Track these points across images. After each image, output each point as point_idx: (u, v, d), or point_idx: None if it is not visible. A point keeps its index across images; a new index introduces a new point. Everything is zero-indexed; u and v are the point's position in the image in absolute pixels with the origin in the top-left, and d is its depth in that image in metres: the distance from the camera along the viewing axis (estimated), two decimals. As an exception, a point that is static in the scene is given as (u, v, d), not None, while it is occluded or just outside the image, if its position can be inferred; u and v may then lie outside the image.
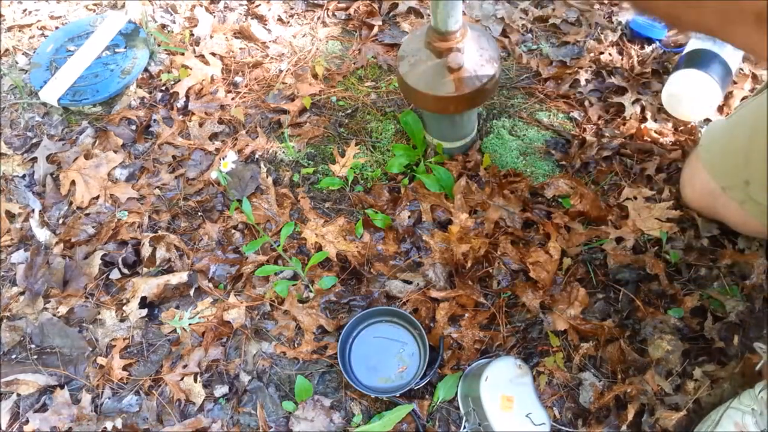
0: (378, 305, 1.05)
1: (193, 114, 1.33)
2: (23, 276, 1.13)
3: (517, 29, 1.40)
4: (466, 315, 1.02)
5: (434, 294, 1.03)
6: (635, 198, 1.11)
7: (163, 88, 1.39)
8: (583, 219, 1.11)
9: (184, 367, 1.01)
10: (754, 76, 1.26)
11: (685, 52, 1.22)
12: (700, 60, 1.16)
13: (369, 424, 0.94)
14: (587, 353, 0.98)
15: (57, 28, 1.52)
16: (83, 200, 1.22)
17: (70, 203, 1.23)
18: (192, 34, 1.46)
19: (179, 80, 1.37)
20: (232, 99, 1.35)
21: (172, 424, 0.97)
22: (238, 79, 1.39)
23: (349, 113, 1.31)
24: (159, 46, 1.44)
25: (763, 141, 0.84)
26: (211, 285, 1.10)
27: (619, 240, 1.07)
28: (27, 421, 0.98)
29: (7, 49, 1.49)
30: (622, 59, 1.33)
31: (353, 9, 1.48)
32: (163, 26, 1.50)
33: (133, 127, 1.33)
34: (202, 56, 1.41)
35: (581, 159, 1.17)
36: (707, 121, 1.22)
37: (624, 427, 0.91)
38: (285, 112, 1.31)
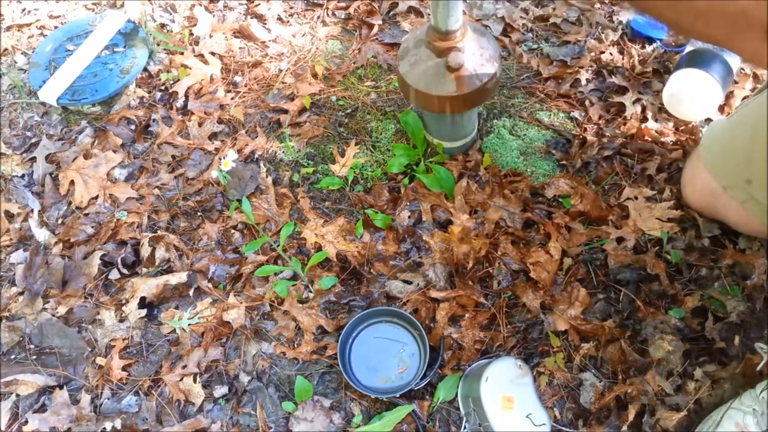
0: (378, 305, 1.04)
1: (192, 113, 1.33)
2: (22, 276, 1.12)
3: (517, 28, 1.40)
4: (467, 315, 1.02)
5: (434, 294, 1.03)
6: (636, 198, 1.10)
7: (163, 87, 1.38)
8: (583, 219, 1.11)
9: (184, 367, 1.01)
10: (755, 76, 1.26)
11: (686, 51, 1.22)
12: (701, 59, 1.16)
13: (369, 424, 0.94)
14: (588, 353, 0.98)
15: (56, 27, 1.52)
16: (82, 200, 1.22)
17: (69, 203, 1.23)
18: (191, 34, 1.46)
19: (178, 80, 1.36)
20: (232, 98, 1.35)
21: (172, 424, 0.97)
22: (237, 78, 1.39)
23: (349, 113, 1.30)
24: (158, 45, 1.44)
25: (765, 140, 0.84)
26: (210, 285, 1.10)
27: (619, 240, 1.07)
28: (26, 422, 0.98)
29: (6, 49, 1.49)
30: (622, 59, 1.32)
31: (353, 8, 1.48)
32: (163, 25, 1.49)
33: (133, 127, 1.33)
34: (201, 56, 1.40)
35: (582, 159, 1.17)
36: (708, 120, 1.22)
37: (625, 428, 0.90)
38: (285, 111, 1.31)
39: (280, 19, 1.48)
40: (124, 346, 1.05)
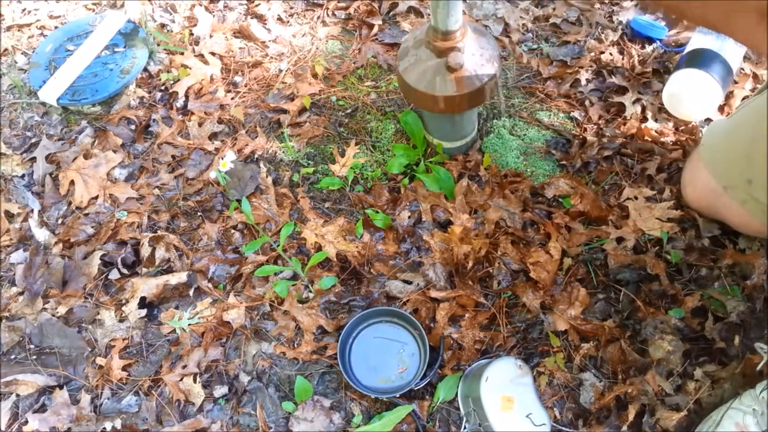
0: (378, 305, 1.04)
1: (192, 114, 1.33)
2: (22, 276, 1.12)
3: (517, 29, 1.40)
4: (467, 315, 1.02)
5: (434, 294, 1.03)
6: (636, 198, 1.10)
7: (163, 87, 1.38)
8: (583, 219, 1.11)
9: (184, 367, 1.01)
10: (755, 76, 1.26)
11: (685, 51, 1.22)
12: (701, 59, 1.16)
13: (369, 424, 0.94)
14: (588, 353, 0.98)
15: (56, 27, 1.52)
16: (82, 200, 1.22)
17: (69, 203, 1.23)
18: (191, 34, 1.46)
19: (178, 80, 1.36)
20: (232, 99, 1.35)
21: (172, 424, 0.97)
22: (237, 78, 1.39)
23: (349, 113, 1.30)
24: (158, 45, 1.44)
25: (765, 140, 0.84)
26: (210, 285, 1.10)
27: (619, 240, 1.07)
28: (26, 422, 0.98)
29: (6, 49, 1.49)
30: (622, 59, 1.32)
31: (353, 8, 1.48)
32: (163, 25, 1.49)
33: (133, 127, 1.33)
34: (201, 56, 1.40)
35: (582, 159, 1.17)
36: (708, 120, 1.22)
37: (625, 428, 0.90)
38: (285, 111, 1.31)
39: (280, 19, 1.48)
40: (124, 346, 1.05)
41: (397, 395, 0.95)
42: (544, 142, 1.22)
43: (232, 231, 1.16)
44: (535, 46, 1.38)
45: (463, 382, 0.96)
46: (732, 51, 1.18)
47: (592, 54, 1.33)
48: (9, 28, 1.52)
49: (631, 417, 0.90)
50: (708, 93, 1.15)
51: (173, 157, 1.27)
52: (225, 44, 1.43)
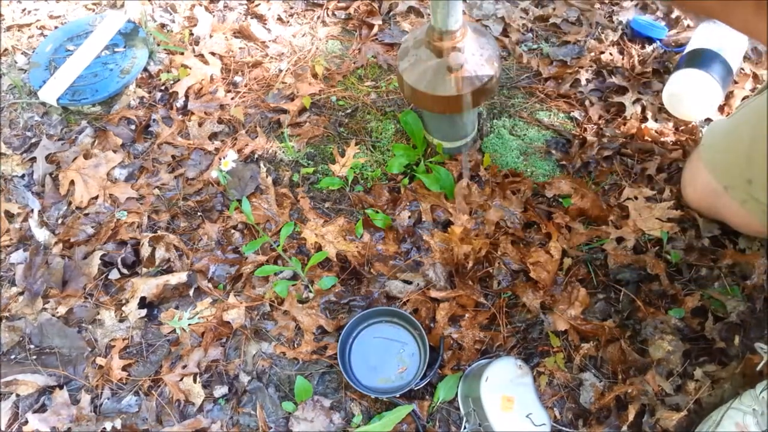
0: (378, 305, 1.04)
1: (192, 114, 1.33)
2: (22, 276, 1.12)
3: (517, 29, 1.40)
4: (467, 315, 1.02)
5: (434, 294, 1.03)
6: (636, 198, 1.10)
7: (163, 87, 1.38)
8: (583, 219, 1.11)
9: (184, 367, 1.01)
10: (755, 76, 1.26)
11: (685, 51, 1.22)
12: (700, 60, 1.16)
13: (369, 424, 0.94)
14: (588, 353, 0.98)
15: (56, 27, 1.52)
16: (82, 200, 1.22)
17: (69, 203, 1.23)
18: (191, 34, 1.46)
19: (179, 80, 1.36)
20: (232, 99, 1.35)
21: (172, 424, 0.97)
22: (237, 78, 1.39)
23: (349, 113, 1.30)
24: (158, 45, 1.44)
25: (765, 140, 0.84)
26: (210, 285, 1.10)
27: (619, 240, 1.07)
28: (26, 422, 0.98)
29: (6, 49, 1.49)
30: (622, 59, 1.32)
31: (353, 8, 1.48)
32: (163, 25, 1.49)
33: (133, 127, 1.33)
34: (201, 56, 1.40)
35: (582, 159, 1.17)
36: (708, 120, 1.22)
37: (625, 428, 0.90)
38: (285, 111, 1.31)
39: (280, 19, 1.48)
40: (124, 346, 1.05)
41: (397, 395, 0.95)
42: (544, 142, 1.22)
43: (232, 231, 1.16)
44: (535, 46, 1.38)
45: (463, 382, 0.96)
46: (732, 51, 1.18)
47: (592, 54, 1.33)
48: (9, 28, 1.52)
49: (631, 417, 0.90)
50: (708, 93, 1.15)
51: (173, 157, 1.27)
52: (225, 44, 1.43)
